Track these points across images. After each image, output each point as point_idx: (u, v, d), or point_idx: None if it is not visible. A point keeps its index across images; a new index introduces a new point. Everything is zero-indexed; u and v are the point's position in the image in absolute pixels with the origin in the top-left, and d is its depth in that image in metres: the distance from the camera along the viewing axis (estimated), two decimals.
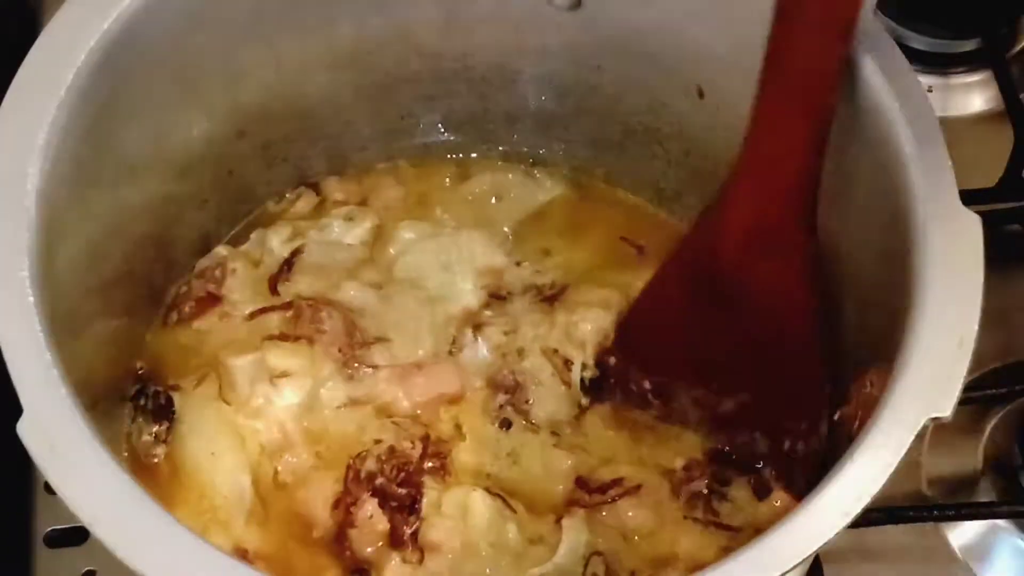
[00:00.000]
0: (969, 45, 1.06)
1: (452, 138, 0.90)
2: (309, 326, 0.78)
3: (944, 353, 0.60)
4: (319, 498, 0.74)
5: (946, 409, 0.59)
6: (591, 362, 0.80)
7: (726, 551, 0.70)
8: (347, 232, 0.85)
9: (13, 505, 0.84)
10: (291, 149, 0.85)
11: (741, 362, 0.74)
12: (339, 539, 0.74)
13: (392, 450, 0.75)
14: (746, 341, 0.74)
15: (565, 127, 0.88)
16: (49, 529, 0.82)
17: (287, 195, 0.88)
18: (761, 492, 0.75)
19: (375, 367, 0.78)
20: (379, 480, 0.74)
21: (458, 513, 0.73)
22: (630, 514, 0.75)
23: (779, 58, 0.65)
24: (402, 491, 0.74)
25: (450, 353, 0.80)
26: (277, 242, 0.83)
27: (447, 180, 0.90)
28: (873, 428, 0.59)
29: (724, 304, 0.73)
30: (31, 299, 0.59)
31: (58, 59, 0.64)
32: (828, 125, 0.67)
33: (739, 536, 0.74)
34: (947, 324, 0.61)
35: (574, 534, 0.73)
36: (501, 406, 0.79)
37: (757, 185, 0.69)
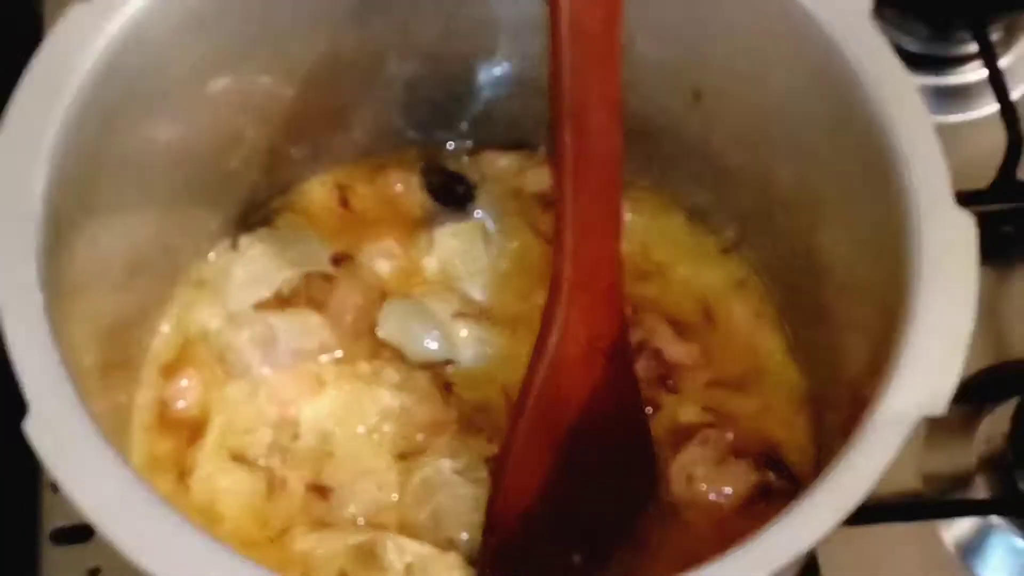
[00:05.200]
0: (964, 48, 1.07)
1: (454, 139, 0.90)
2: None
3: (938, 352, 0.61)
4: None
5: (940, 407, 0.59)
6: None
7: None
8: None
9: (19, 502, 0.84)
10: (292, 151, 0.85)
11: (596, 501, 0.72)
12: None
13: None
14: (598, 474, 0.72)
15: None
16: (55, 526, 0.82)
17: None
18: None
19: None
20: None
21: None
22: None
23: (577, 148, 0.67)
24: None
25: None
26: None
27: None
28: (867, 426, 0.59)
29: (578, 442, 0.70)
30: (37, 300, 0.59)
31: (64, 62, 0.64)
32: (621, 197, 0.68)
33: None
34: (941, 323, 0.61)
35: None
36: None
37: (587, 291, 0.68)
